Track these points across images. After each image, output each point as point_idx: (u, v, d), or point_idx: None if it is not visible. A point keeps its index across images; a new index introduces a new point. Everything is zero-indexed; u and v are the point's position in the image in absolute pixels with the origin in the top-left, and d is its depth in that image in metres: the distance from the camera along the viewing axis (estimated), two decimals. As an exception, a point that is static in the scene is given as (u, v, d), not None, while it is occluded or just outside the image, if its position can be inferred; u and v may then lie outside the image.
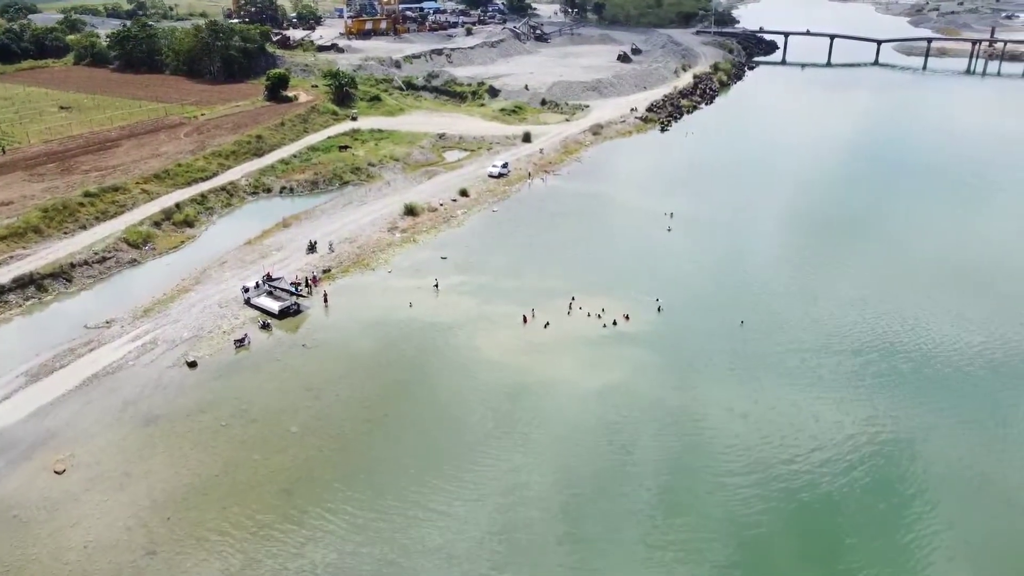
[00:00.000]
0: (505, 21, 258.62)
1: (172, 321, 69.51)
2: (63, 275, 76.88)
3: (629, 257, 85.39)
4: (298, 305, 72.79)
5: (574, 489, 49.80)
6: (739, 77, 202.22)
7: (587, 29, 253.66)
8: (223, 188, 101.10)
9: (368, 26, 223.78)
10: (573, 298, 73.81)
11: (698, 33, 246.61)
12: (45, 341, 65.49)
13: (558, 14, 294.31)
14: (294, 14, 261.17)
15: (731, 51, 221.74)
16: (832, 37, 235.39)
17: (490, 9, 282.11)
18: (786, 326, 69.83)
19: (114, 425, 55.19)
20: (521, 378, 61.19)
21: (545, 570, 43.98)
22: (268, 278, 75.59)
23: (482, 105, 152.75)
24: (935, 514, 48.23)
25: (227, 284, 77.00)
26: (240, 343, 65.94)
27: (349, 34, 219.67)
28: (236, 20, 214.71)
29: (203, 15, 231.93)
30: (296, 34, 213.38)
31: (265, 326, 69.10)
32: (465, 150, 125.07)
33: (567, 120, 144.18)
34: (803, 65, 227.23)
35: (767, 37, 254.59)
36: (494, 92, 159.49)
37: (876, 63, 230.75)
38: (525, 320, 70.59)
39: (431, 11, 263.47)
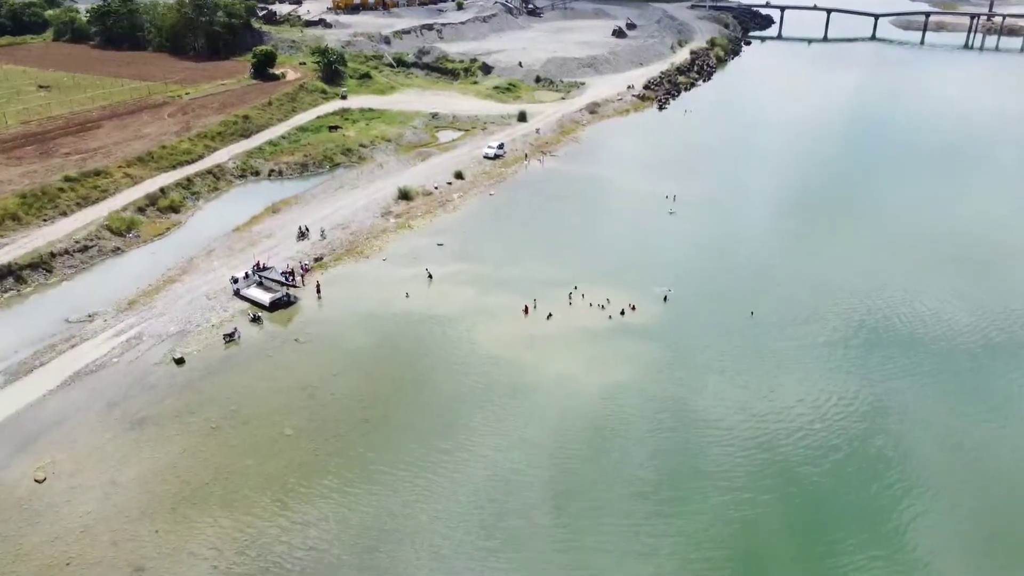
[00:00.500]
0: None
1: (158, 314, 66.49)
2: (43, 265, 73.54)
3: (631, 243, 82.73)
4: (289, 296, 69.87)
5: (582, 499, 47.43)
6: (736, 52, 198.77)
7: (580, 3, 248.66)
8: (209, 171, 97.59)
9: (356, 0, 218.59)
10: (575, 287, 71.17)
11: (693, 7, 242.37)
12: (24, 336, 62.37)
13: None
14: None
15: (727, 25, 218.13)
16: (829, 11, 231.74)
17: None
18: (798, 318, 67.39)
19: (98, 429, 52.35)
20: (524, 376, 58.61)
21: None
22: (258, 268, 72.57)
23: (475, 83, 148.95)
24: (928, 488, 48.63)
25: (215, 274, 73.92)
26: (230, 338, 63.06)
27: (337, 8, 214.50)
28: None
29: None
30: (282, 8, 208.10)
31: (255, 319, 66.20)
32: (459, 130, 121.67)
33: (563, 98, 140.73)
34: (800, 39, 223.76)
35: (763, 11, 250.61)
36: (487, 69, 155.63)
37: (873, 37, 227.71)
38: (526, 311, 67.95)
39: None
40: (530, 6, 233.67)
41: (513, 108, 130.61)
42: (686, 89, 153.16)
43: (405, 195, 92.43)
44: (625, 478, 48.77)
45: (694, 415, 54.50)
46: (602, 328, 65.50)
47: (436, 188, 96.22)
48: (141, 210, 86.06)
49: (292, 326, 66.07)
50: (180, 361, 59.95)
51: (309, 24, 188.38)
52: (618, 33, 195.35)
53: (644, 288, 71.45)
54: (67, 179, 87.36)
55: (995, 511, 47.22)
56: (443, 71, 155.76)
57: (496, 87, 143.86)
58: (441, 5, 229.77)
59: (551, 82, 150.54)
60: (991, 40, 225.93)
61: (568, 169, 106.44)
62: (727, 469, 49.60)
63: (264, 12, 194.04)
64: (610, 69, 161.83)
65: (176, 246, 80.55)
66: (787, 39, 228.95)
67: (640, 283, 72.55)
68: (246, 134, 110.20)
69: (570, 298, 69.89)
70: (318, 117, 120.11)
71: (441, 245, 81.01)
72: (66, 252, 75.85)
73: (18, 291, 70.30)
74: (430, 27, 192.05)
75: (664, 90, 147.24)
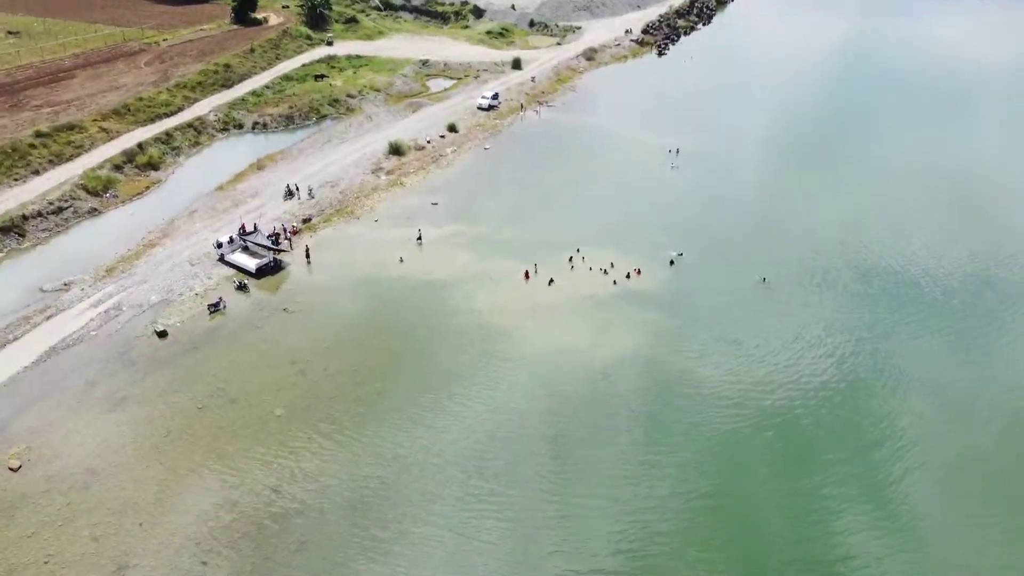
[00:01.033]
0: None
1: (138, 282, 62.91)
2: (15, 229, 69.41)
3: (634, 201, 79.20)
4: (277, 261, 66.37)
5: (595, 485, 44.99)
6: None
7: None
8: (190, 125, 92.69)
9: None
10: (578, 250, 67.99)
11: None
12: (-4, 308, 58.93)
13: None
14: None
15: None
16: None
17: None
18: (814, 284, 64.43)
19: (76, 410, 49.27)
20: (527, 347, 55.71)
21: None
22: (243, 231, 68.82)
23: (466, 27, 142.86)
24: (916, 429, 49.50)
25: (198, 237, 70.16)
26: (215, 308, 59.71)
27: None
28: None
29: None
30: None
31: (241, 287, 62.75)
32: (451, 78, 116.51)
33: (558, 44, 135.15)
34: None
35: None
36: (479, 12, 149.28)
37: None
38: (527, 276, 64.84)
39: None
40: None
41: (507, 55, 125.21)
42: (685, 33, 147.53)
43: (396, 150, 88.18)
44: (632, 459, 46.31)
45: (705, 390, 51.84)
46: (606, 295, 62.48)
47: (429, 142, 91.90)
48: (118, 168, 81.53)
49: (280, 294, 62.71)
50: (163, 334, 56.65)
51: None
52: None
53: (649, 250, 68.40)
54: (39, 135, 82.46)
55: (976, 448, 48.19)
56: (433, 15, 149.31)
57: (488, 32, 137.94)
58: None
59: (546, 26, 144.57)
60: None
61: (566, 120, 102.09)
62: (743, 459, 47.17)
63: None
64: (607, 12, 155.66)
65: (156, 206, 76.44)
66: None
67: (645, 244, 69.44)
68: (227, 84, 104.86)
69: (571, 261, 66.72)
70: (303, 65, 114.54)
71: (436, 204, 77.28)
72: (39, 214, 71.69)
73: (-11, 257, 66.47)
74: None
75: (663, 34, 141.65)
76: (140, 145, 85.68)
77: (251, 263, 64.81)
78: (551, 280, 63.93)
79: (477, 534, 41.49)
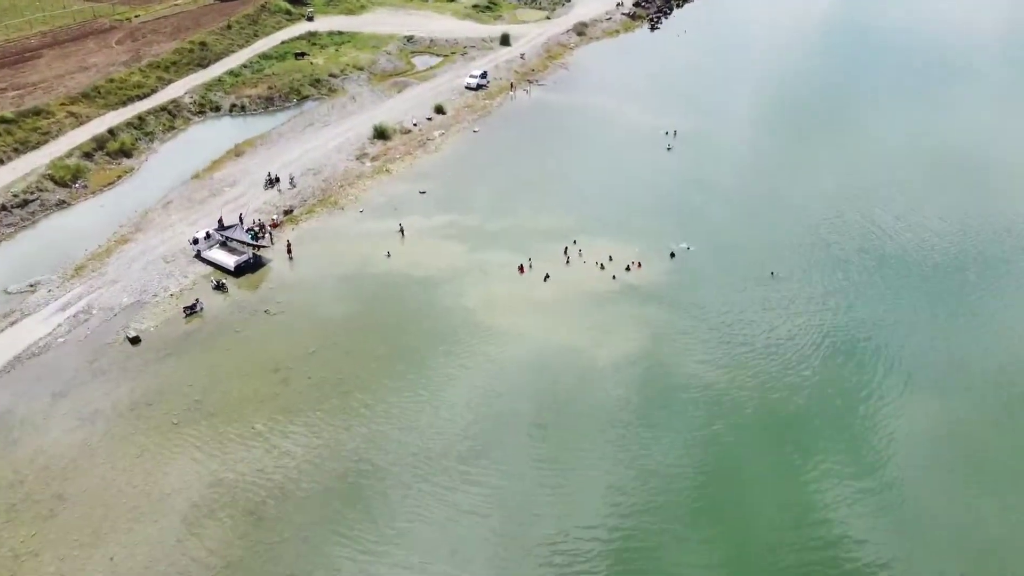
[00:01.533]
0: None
1: (109, 282, 59.35)
2: (-23, 225, 65.61)
3: (631, 186, 75.83)
4: (257, 257, 62.87)
5: (602, 516, 42.27)
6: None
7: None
8: (164, 108, 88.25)
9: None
10: (574, 241, 64.81)
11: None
12: (-43, 313, 55.31)
13: None
14: None
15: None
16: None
17: None
18: (823, 276, 61.35)
19: (42, 427, 46.03)
20: (523, 350, 52.68)
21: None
22: (221, 225, 65.15)
23: (452, 0, 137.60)
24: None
25: (173, 231, 66.48)
26: (191, 310, 56.27)
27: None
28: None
29: None
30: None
31: (219, 286, 59.26)
32: (437, 55, 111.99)
33: (547, 18, 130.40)
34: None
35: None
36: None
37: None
38: (521, 270, 61.69)
39: None
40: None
41: (495, 29, 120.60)
42: (678, 5, 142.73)
43: (381, 134, 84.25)
44: (637, 473, 43.61)
45: (712, 395, 49.04)
46: (606, 291, 59.39)
47: (415, 125, 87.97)
48: (88, 155, 77.36)
49: (261, 293, 59.31)
50: (135, 340, 53.27)
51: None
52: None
53: (648, 240, 65.37)
54: (2, 120, 78.10)
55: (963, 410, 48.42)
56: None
57: (475, 5, 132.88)
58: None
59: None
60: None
61: (557, 100, 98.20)
62: (752, 472, 44.56)
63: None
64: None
65: (129, 197, 72.60)
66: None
67: (643, 234, 66.33)
68: (203, 63, 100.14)
69: (566, 253, 63.58)
70: (283, 42, 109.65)
71: (424, 193, 73.69)
72: (3, 208, 67.72)
73: (-51, 256, 62.57)
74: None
75: (656, 7, 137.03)
76: (111, 130, 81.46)
77: (229, 260, 61.27)
78: (547, 275, 60.81)
79: (466, 549, 38.79)
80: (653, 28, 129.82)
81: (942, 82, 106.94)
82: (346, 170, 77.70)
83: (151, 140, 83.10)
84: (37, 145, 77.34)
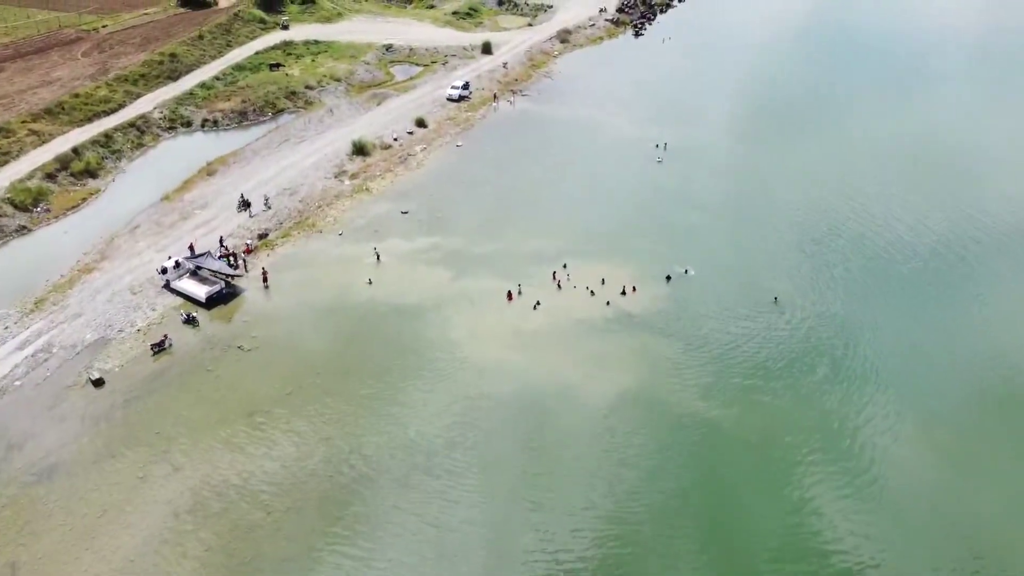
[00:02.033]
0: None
1: (72, 316, 55.67)
2: (-71, 255, 61.64)
3: (622, 204, 73.01)
4: (233, 287, 59.40)
5: (596, 554, 39.32)
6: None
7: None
8: (132, 124, 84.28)
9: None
10: (564, 265, 61.91)
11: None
12: (-95, 354, 51.46)
13: None
14: None
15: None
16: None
17: None
18: (828, 300, 58.77)
19: (-5, 484, 42.41)
20: (513, 387, 49.61)
21: None
22: (192, 253, 61.61)
23: (431, 7, 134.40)
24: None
25: (140, 259, 62.81)
26: (159, 348, 52.71)
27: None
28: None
29: None
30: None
31: (190, 320, 55.73)
32: (417, 64, 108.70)
33: (530, 24, 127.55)
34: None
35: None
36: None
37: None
38: (510, 297, 58.69)
39: None
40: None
41: (476, 37, 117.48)
42: (661, 10, 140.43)
43: (360, 149, 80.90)
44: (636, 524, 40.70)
45: (718, 440, 46.23)
46: (600, 319, 56.49)
47: (396, 139, 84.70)
48: (51, 176, 73.41)
49: (234, 327, 55.80)
50: (99, 382, 49.68)
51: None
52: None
53: (642, 262, 62.73)
54: (-41, 140, 74.06)
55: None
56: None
57: (455, 12, 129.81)
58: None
59: (515, 5, 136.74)
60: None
61: (542, 111, 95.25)
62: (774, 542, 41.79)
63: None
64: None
65: (94, 221, 68.73)
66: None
67: (636, 255, 63.71)
68: (174, 76, 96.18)
69: (555, 279, 60.65)
70: (256, 53, 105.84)
71: (406, 213, 70.47)
72: (-42, 236, 63.80)
73: (-101, 290, 58.51)
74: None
75: (639, 13, 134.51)
76: (76, 149, 77.44)
77: (200, 291, 57.74)
78: (537, 303, 57.81)
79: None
80: (637, 34, 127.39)
81: (928, 82, 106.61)
82: (324, 189, 74.30)
83: (118, 159, 79.18)
84: (-4, 166, 73.35)
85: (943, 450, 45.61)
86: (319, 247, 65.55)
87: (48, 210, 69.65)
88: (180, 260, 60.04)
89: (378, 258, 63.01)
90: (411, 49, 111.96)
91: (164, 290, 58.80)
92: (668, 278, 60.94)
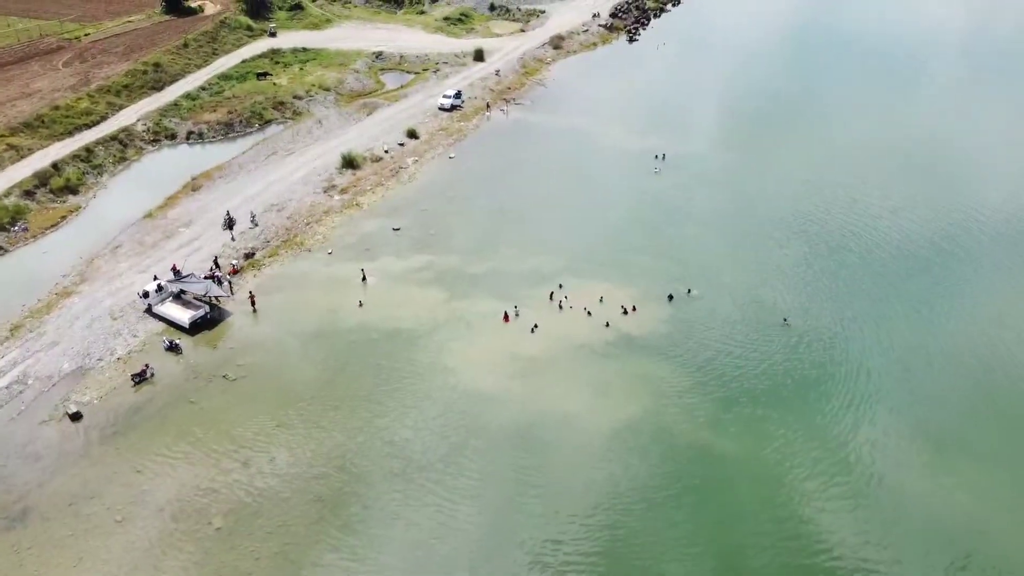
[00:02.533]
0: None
1: (48, 344, 53.19)
2: (-100, 279, 59.04)
3: (621, 218, 70.93)
4: (215, 310, 57.03)
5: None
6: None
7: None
8: (114, 137, 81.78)
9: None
10: (560, 285, 59.81)
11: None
12: None
13: None
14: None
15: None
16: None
17: None
18: (840, 322, 56.61)
19: (-36, 530, 39.99)
20: (511, 419, 47.38)
21: None
22: (176, 274, 59.23)
23: (422, 12, 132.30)
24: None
25: (122, 281, 60.37)
26: (140, 377, 50.33)
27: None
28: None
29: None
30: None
31: (172, 347, 53.32)
32: (407, 72, 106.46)
33: (522, 30, 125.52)
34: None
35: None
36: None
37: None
38: (506, 319, 56.53)
39: None
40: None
41: (467, 44, 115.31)
42: (655, 15, 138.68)
43: (350, 162, 78.59)
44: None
45: (730, 475, 44.18)
46: (600, 343, 54.34)
47: (387, 151, 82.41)
48: (29, 194, 70.88)
49: (220, 354, 53.42)
50: (76, 416, 47.29)
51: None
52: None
53: (642, 279, 60.75)
54: (-67, 157, 71.47)
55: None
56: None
57: (446, 18, 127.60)
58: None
59: (507, 10, 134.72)
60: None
61: (536, 120, 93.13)
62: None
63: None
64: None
65: (74, 241, 66.22)
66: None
67: (636, 272, 61.79)
68: (158, 86, 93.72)
69: (552, 298, 58.59)
70: (243, 61, 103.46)
71: (398, 230, 68.21)
72: (-69, 259, 61.23)
73: None
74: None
75: (633, 18, 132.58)
76: (56, 164, 74.96)
77: (184, 316, 55.33)
78: (535, 326, 55.64)
79: None
80: (631, 40, 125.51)
81: (927, 82, 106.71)
82: (312, 205, 71.97)
83: (100, 174, 76.65)
84: (-29, 184, 70.76)
85: (957, 473, 43.71)
86: (308, 267, 63.21)
87: (26, 229, 67.10)
88: (163, 283, 57.63)
89: (365, 279, 60.65)
90: (401, 56, 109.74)
91: (146, 315, 56.39)
92: (670, 297, 58.86)
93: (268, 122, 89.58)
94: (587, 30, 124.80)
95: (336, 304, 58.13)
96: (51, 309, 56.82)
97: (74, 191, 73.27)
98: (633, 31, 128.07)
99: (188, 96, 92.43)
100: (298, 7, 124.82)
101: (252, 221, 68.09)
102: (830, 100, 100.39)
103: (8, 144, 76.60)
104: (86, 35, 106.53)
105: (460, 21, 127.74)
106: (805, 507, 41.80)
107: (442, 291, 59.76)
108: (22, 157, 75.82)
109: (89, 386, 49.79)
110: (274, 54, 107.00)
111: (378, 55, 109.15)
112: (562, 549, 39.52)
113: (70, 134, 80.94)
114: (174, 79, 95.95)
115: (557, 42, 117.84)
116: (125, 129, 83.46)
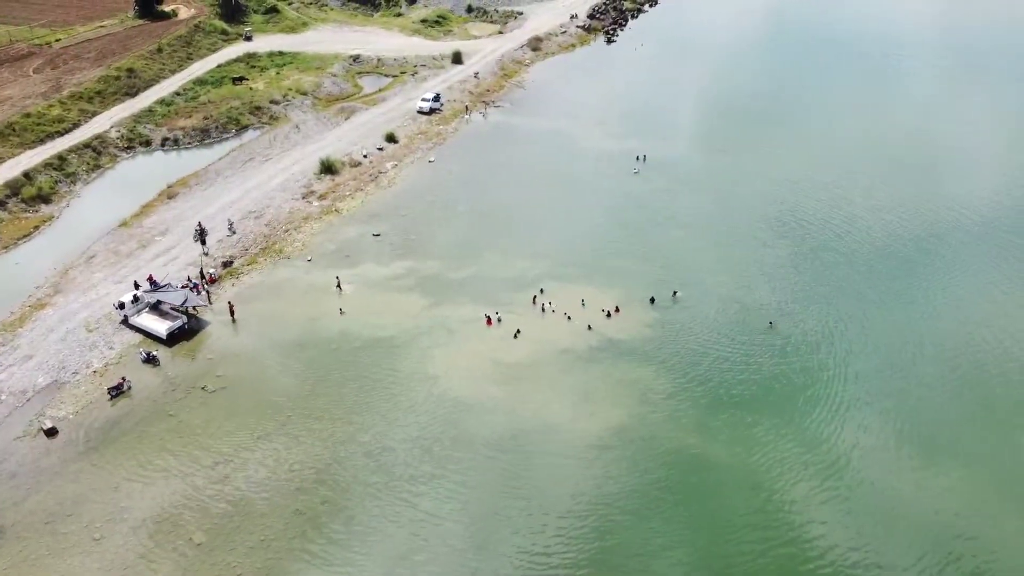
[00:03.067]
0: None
1: (22, 358, 52.17)
2: None
3: (602, 221, 70.70)
4: (193, 319, 56.20)
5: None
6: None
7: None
8: (87, 144, 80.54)
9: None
10: (541, 290, 59.55)
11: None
12: None
13: None
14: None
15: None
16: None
17: None
18: (824, 326, 56.51)
19: (-64, 552, 39.03)
20: (495, 428, 46.99)
21: None
22: (152, 284, 58.29)
23: (399, 15, 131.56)
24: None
25: (97, 291, 59.37)
26: (117, 391, 49.46)
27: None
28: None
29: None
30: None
31: (150, 359, 52.46)
32: (385, 75, 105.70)
33: (500, 32, 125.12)
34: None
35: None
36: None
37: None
38: (489, 322, 56.15)
39: None
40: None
41: (445, 46, 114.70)
42: (633, 16, 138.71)
43: (329, 168, 77.87)
44: None
45: (716, 480, 44.06)
46: (584, 347, 54.08)
47: (365, 156, 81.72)
48: (0, 203, 69.54)
49: (198, 365, 52.59)
50: (52, 432, 46.38)
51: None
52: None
53: (624, 282, 60.56)
54: (-100, 167, 69.96)
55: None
56: (362, 1, 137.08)
57: (424, 20, 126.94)
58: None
59: (485, 12, 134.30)
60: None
61: (516, 123, 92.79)
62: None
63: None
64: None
65: (47, 251, 65.08)
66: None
67: (619, 275, 61.68)
68: (132, 92, 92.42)
69: (535, 301, 58.29)
70: (219, 66, 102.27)
71: (378, 235, 67.62)
72: (-101, 272, 59.86)
73: None
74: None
75: (611, 18, 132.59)
76: (27, 173, 73.69)
77: (161, 327, 54.46)
78: (517, 331, 55.29)
79: None
80: (609, 41, 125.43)
81: (902, 79, 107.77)
82: (291, 211, 71.20)
83: (73, 182, 75.43)
84: (-59, 195, 69.37)
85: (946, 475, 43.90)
86: (287, 275, 62.47)
87: (-2, 240, 65.86)
88: (138, 293, 56.71)
89: (339, 287, 59.96)
90: (379, 59, 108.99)
91: (122, 326, 55.44)
92: (652, 300, 58.70)
93: (245, 127, 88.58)
94: (565, 31, 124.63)
95: (316, 312, 57.46)
96: (24, 322, 55.75)
97: (46, 200, 72.02)
98: (611, 32, 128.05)
99: (163, 102, 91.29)
100: (274, 10, 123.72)
101: (230, 229, 67.20)
102: (809, 99, 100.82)
103: (-22, 153, 75.20)
104: (57, 40, 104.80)
105: (438, 23, 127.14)
106: (794, 512, 41.75)
107: (424, 297, 59.27)
108: (-8, 167, 74.45)
109: (65, 400, 48.87)
110: (250, 58, 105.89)
111: (356, 58, 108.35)
112: (549, 561, 39.19)
113: (42, 142, 79.60)
114: (148, 85, 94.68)
115: (535, 44, 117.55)
116: (99, 136, 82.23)
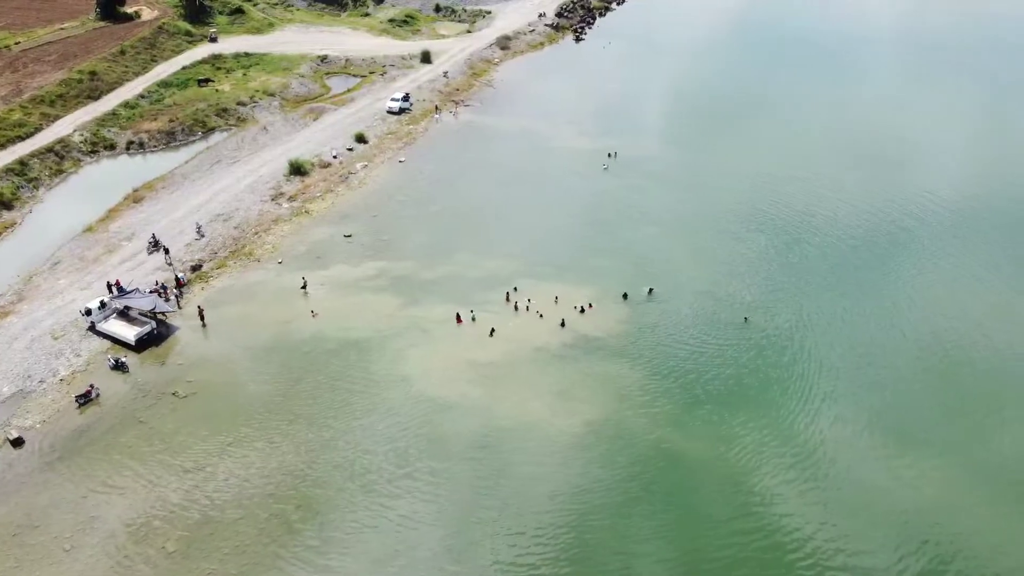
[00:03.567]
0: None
1: (-14, 368, 51.03)
2: None
3: (574, 218, 70.81)
4: (163, 324, 55.36)
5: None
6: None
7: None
8: (50, 149, 78.99)
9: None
10: (515, 288, 59.46)
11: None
12: None
13: None
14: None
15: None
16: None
17: None
18: (798, 320, 57.09)
19: (-101, 569, 38.08)
20: (473, 429, 46.83)
21: None
22: (119, 290, 57.32)
23: (366, 15, 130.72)
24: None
25: (63, 298, 58.27)
26: (85, 399, 48.55)
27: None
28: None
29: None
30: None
31: (118, 365, 51.58)
32: (354, 76, 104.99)
33: (468, 31, 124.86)
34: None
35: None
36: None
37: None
38: (459, 319, 56.01)
39: None
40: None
41: (414, 46, 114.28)
42: (601, 14, 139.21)
43: (298, 169, 77.16)
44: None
45: (691, 471, 44.32)
46: (558, 345, 54.12)
47: (335, 157, 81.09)
48: (-40, 210, 68.12)
49: (168, 371, 51.83)
50: (18, 442, 45.47)
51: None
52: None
53: (599, 279, 60.67)
54: None
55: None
56: (329, 1, 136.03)
57: (391, 20, 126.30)
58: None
59: (453, 11, 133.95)
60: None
61: (486, 122, 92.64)
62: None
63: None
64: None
65: (9, 258, 63.69)
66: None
67: (590, 272, 61.81)
68: (95, 95, 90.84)
69: (509, 300, 58.21)
70: (183, 68, 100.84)
71: (349, 236, 67.14)
72: None
73: None
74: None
75: (579, 17, 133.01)
76: (-13, 179, 72.07)
77: (130, 333, 53.58)
78: (492, 330, 55.18)
79: None
80: (578, 39, 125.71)
81: (869, 74, 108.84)
82: (260, 213, 70.45)
83: (35, 188, 73.97)
84: (-102, 202, 67.70)
85: (915, 464, 44.54)
86: (258, 278, 61.79)
87: (-42, 248, 64.36)
88: (105, 299, 55.73)
89: (305, 289, 59.41)
90: (347, 60, 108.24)
91: (89, 333, 54.46)
92: (625, 296, 58.89)
93: (212, 130, 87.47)
94: (534, 30, 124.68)
95: (288, 315, 56.91)
96: (-12, 331, 54.57)
97: (8, 206, 70.54)
98: (579, 30, 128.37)
99: (127, 105, 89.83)
100: (239, 11, 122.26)
101: (198, 232, 66.34)
102: (776, 95, 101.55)
103: (-64, 159, 73.45)
104: (16, 43, 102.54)
105: (405, 23, 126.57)
106: (772, 505, 42.10)
107: (397, 298, 58.95)
108: (-48, 173, 72.77)
109: (31, 410, 47.91)
110: (216, 60, 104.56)
111: (323, 59, 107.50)
112: (529, 562, 39.15)
113: (2, 147, 77.96)
114: (112, 87, 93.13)
115: (504, 43, 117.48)
116: (61, 140, 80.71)
